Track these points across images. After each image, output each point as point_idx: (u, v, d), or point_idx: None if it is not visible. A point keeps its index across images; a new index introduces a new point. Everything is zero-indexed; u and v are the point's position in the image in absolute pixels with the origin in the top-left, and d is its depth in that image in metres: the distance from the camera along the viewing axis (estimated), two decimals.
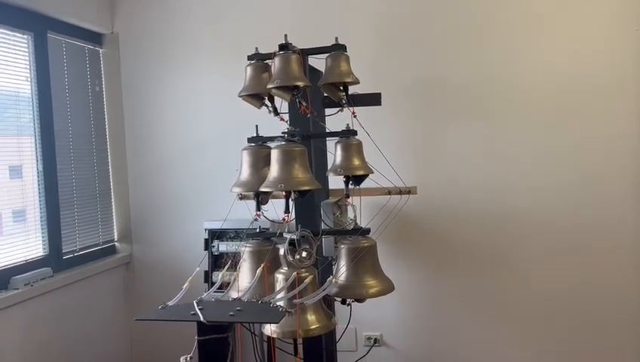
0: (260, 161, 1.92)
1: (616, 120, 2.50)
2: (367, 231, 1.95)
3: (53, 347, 2.56)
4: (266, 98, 1.99)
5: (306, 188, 1.73)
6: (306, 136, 1.95)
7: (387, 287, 1.93)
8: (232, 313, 1.48)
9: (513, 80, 2.60)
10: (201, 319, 1.44)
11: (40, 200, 2.59)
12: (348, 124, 2.02)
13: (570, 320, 2.58)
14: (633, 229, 2.51)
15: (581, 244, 2.55)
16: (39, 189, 2.59)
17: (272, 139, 1.91)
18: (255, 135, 1.98)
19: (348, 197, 2.06)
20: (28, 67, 2.56)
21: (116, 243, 3.12)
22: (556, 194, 2.57)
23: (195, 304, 1.54)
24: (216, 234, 2.75)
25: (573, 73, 2.54)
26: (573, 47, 2.53)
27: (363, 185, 2.05)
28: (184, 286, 1.70)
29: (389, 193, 2.17)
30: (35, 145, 2.58)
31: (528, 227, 2.61)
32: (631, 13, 2.47)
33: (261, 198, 1.95)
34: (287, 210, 1.80)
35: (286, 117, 1.99)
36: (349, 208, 2.13)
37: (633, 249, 2.51)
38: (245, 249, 1.92)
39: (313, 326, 1.70)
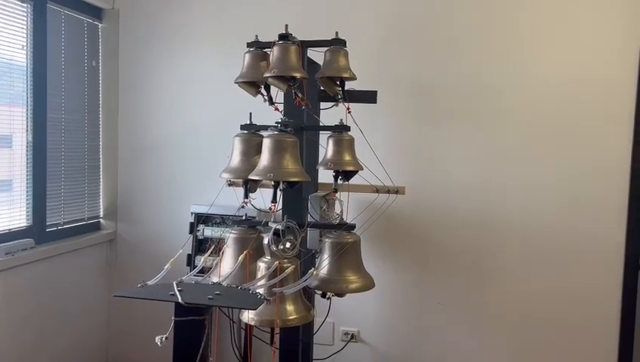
0: (252, 149, 1.92)
1: (610, 137, 2.52)
2: (353, 226, 1.96)
3: (31, 317, 2.55)
4: (262, 86, 1.99)
5: (295, 179, 1.74)
6: (299, 127, 1.95)
7: (368, 284, 1.94)
8: (210, 296, 1.49)
9: (510, 89, 2.61)
10: (179, 300, 1.45)
11: (27, 171, 2.57)
12: (342, 119, 2.02)
13: (546, 323, 2.61)
14: (616, 240, 2.54)
15: (561, 254, 2.58)
16: (27, 160, 2.57)
17: (265, 127, 1.91)
18: (248, 122, 1.98)
19: (336, 191, 2.07)
20: (25, 36, 2.53)
21: (101, 220, 3.11)
22: (541, 205, 2.59)
23: (174, 285, 1.54)
24: (202, 219, 2.75)
25: (570, 87, 2.55)
26: (572, 61, 2.55)
27: (352, 181, 2.06)
28: (165, 267, 1.70)
29: (377, 191, 2.18)
30: (27, 115, 2.56)
31: (511, 235, 2.63)
32: (634, 29, 2.48)
33: (250, 186, 1.95)
34: (274, 200, 1.80)
35: (281, 107, 1.99)
36: (337, 203, 2.14)
37: (610, 257, 2.55)
38: (230, 235, 1.93)
39: (291, 317, 1.71)
